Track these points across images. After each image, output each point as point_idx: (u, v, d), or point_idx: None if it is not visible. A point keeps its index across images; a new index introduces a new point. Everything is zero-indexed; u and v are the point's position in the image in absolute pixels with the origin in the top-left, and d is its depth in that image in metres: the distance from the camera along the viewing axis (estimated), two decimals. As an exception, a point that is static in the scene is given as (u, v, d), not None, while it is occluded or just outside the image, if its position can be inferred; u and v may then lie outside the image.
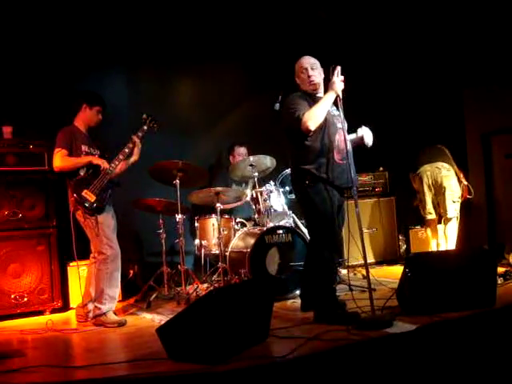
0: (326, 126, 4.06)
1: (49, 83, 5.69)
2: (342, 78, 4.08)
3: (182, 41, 6.54)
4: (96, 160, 4.55)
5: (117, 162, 4.64)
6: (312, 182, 4.05)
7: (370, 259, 6.80)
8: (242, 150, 6.33)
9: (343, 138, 4.03)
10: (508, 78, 6.36)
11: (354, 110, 4.47)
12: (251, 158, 5.51)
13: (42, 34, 5.69)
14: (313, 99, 4.11)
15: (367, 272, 3.93)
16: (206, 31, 6.62)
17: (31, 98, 5.59)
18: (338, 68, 4.08)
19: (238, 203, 6.05)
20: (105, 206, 4.56)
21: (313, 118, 3.95)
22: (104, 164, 4.54)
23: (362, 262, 4.21)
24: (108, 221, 4.58)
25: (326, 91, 4.13)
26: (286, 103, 4.18)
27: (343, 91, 4.08)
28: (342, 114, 4.06)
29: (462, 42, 6.76)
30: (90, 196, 4.48)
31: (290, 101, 4.15)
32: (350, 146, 4.17)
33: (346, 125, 4.27)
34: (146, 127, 4.85)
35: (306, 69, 4.19)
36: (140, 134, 4.80)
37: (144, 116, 4.87)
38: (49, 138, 5.08)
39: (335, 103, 4.17)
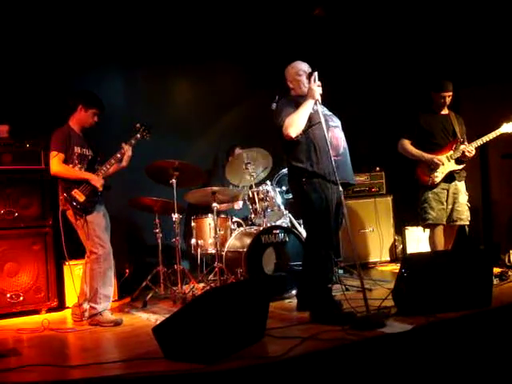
0: (317, 123, 4.08)
1: (46, 82, 5.69)
2: (320, 83, 4.12)
3: (179, 41, 6.54)
4: (94, 182, 4.54)
5: (108, 166, 4.67)
6: (308, 179, 4.07)
7: (366, 259, 6.82)
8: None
9: (336, 136, 4.09)
10: (504, 78, 6.37)
11: (350, 110, 4.47)
12: (244, 154, 5.53)
13: (40, 32, 5.69)
14: (300, 104, 4.15)
15: (359, 272, 3.95)
16: (204, 31, 6.62)
17: (28, 97, 5.58)
18: (315, 74, 4.13)
19: (234, 206, 6.09)
20: (94, 206, 4.56)
21: (293, 125, 4.02)
22: (100, 187, 4.56)
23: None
24: (98, 220, 4.58)
25: None
26: (277, 107, 4.24)
27: (322, 95, 4.13)
28: (322, 119, 4.06)
29: (459, 42, 6.77)
30: (79, 196, 4.48)
31: (278, 107, 4.23)
32: (345, 144, 4.23)
33: (339, 123, 4.31)
34: (139, 135, 4.85)
35: (305, 72, 4.24)
36: (133, 141, 4.80)
37: (137, 125, 4.86)
38: (45, 137, 5.06)
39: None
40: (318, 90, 4.10)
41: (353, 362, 3.26)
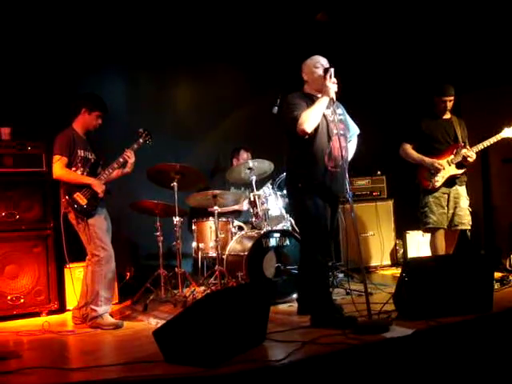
0: (321, 131, 4.05)
1: (48, 85, 5.70)
2: (335, 80, 4.03)
3: (181, 43, 6.55)
4: (96, 187, 4.54)
5: (111, 170, 4.66)
6: (304, 185, 4.05)
7: (367, 263, 6.80)
8: (247, 155, 6.29)
9: (338, 146, 4.01)
10: (505, 82, 6.38)
11: (353, 115, 4.46)
12: (250, 162, 5.52)
13: (42, 35, 5.70)
14: (312, 100, 4.08)
15: (363, 276, 3.93)
16: (206, 33, 6.63)
17: (30, 100, 5.59)
18: (331, 70, 4.04)
19: (236, 207, 6.09)
20: (96, 210, 4.55)
21: (308, 120, 3.93)
22: (101, 193, 4.56)
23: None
24: (100, 223, 4.58)
25: None
26: (285, 103, 4.17)
27: (337, 93, 4.04)
28: (336, 118, 4.05)
29: (460, 47, 6.78)
30: (81, 199, 4.48)
31: (288, 100, 4.14)
32: (347, 154, 4.16)
33: (351, 132, 4.27)
34: (141, 140, 4.85)
35: (323, 65, 4.16)
36: (135, 146, 4.80)
37: (140, 130, 4.87)
38: (47, 139, 5.08)
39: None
40: (333, 87, 4.00)
41: (354, 367, 3.25)
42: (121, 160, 4.71)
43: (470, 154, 5.20)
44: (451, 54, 6.87)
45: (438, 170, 5.23)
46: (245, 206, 6.11)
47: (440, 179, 5.25)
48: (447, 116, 5.40)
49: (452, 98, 5.29)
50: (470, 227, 5.39)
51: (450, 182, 5.29)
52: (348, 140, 4.32)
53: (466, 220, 5.32)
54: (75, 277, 5.07)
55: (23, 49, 5.64)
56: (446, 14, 6.64)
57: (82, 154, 4.62)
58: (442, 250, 5.30)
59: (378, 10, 6.84)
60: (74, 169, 4.56)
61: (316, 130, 4.02)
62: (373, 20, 7.03)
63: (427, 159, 5.29)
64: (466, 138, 5.38)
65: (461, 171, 5.29)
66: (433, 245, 5.36)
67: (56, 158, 4.53)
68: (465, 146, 5.27)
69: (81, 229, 4.53)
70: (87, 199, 4.50)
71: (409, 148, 5.42)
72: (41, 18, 5.69)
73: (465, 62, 6.75)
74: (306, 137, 4.00)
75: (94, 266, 4.54)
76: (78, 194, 4.50)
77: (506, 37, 6.31)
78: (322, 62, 4.19)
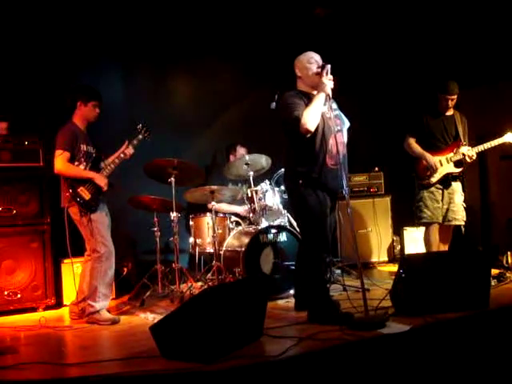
0: (320, 129, 4.03)
1: (45, 80, 5.68)
2: (332, 77, 4.01)
3: (178, 38, 6.53)
4: (98, 180, 4.54)
5: (113, 166, 4.67)
6: (305, 183, 4.04)
7: (364, 259, 6.80)
8: (243, 151, 6.29)
9: (338, 142, 3.98)
10: (503, 80, 6.38)
11: (350, 111, 4.45)
12: (247, 156, 5.52)
13: (40, 30, 5.68)
14: (309, 99, 4.06)
15: (360, 272, 3.93)
16: (203, 29, 6.61)
17: (27, 95, 5.57)
18: (328, 66, 4.00)
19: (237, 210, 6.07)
20: (99, 205, 4.55)
21: (310, 119, 3.90)
22: (105, 186, 4.56)
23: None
24: (102, 219, 4.57)
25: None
26: (282, 102, 4.13)
27: (333, 90, 4.02)
28: (332, 114, 4.04)
29: (458, 44, 6.78)
30: (85, 193, 4.47)
31: (286, 100, 4.09)
32: (345, 150, 4.14)
33: (345, 126, 4.26)
34: (140, 136, 4.85)
35: (317, 61, 4.13)
36: (135, 142, 4.80)
37: (139, 127, 4.87)
38: (44, 134, 5.07)
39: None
40: (329, 83, 3.97)
41: (350, 363, 3.26)
42: (122, 156, 4.72)
43: (471, 153, 5.22)
44: (451, 49, 6.86)
45: (434, 172, 5.26)
46: (244, 211, 6.03)
47: (437, 175, 5.27)
48: (450, 113, 5.43)
49: (455, 96, 5.31)
50: (463, 223, 5.43)
51: (446, 179, 5.31)
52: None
53: (459, 216, 5.36)
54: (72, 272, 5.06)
55: (20, 43, 5.62)
56: (447, 10, 6.64)
57: (85, 149, 4.61)
58: (435, 244, 5.35)
59: (379, 4, 6.84)
60: (77, 163, 4.55)
61: (317, 128, 4.00)
62: (373, 15, 7.02)
63: (429, 159, 5.30)
64: (466, 134, 5.39)
65: (458, 170, 5.31)
66: (427, 239, 5.43)
67: (58, 152, 4.50)
68: (465, 145, 5.28)
69: (84, 223, 4.52)
70: (91, 194, 4.50)
71: (412, 142, 5.46)
72: (38, 12, 5.66)
73: (465, 58, 6.74)
74: (308, 135, 3.98)
75: (94, 262, 4.54)
76: (81, 188, 4.48)
77: (505, 34, 6.30)
78: (315, 57, 4.16)
